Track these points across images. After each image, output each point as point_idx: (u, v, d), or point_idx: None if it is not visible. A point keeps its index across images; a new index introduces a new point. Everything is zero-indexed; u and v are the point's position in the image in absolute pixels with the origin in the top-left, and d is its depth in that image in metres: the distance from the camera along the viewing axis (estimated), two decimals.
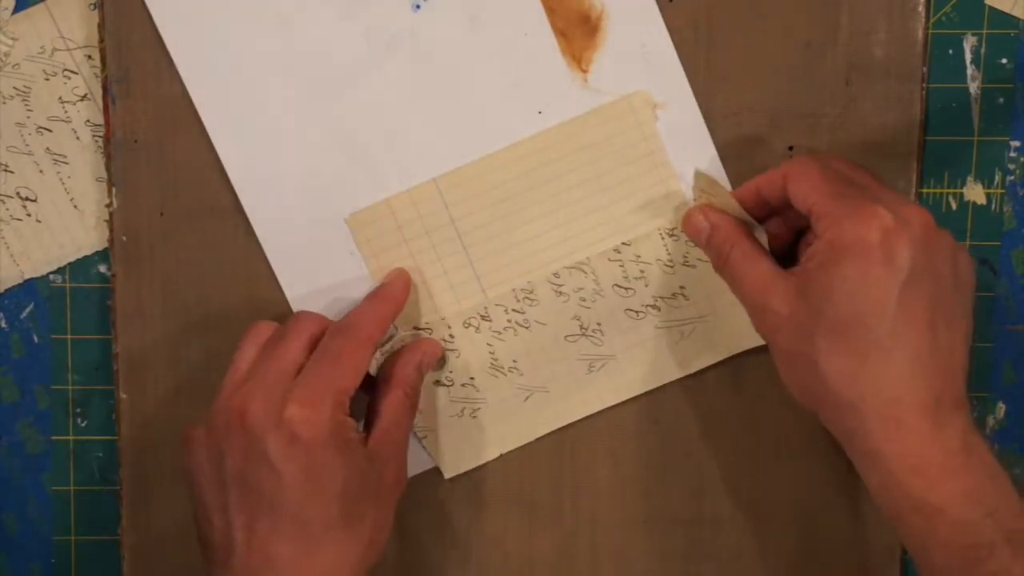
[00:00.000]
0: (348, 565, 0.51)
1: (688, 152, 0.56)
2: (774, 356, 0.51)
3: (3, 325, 0.59)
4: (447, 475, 0.58)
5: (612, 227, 0.56)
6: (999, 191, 0.58)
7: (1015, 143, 0.58)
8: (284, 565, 0.49)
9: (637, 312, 0.57)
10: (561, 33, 0.55)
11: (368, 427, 0.53)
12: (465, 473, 0.58)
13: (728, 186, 0.56)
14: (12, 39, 0.57)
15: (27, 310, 0.58)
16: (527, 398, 0.58)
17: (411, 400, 0.55)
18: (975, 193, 0.58)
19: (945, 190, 0.58)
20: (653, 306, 0.57)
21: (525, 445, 0.58)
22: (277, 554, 0.49)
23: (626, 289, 0.57)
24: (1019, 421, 0.59)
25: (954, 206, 0.58)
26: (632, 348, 0.57)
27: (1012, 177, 0.58)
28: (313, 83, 0.55)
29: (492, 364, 0.57)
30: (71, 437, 0.59)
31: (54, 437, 0.59)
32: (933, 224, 0.49)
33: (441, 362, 0.57)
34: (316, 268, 0.56)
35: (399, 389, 0.54)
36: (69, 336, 0.59)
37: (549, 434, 0.58)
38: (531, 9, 0.55)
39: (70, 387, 0.59)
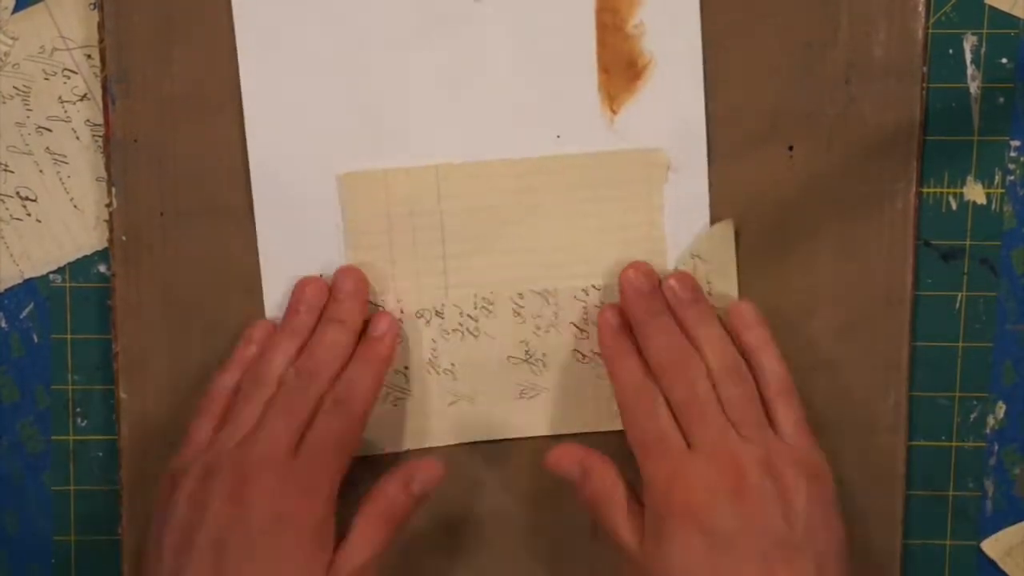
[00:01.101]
0: None
1: (683, 220, 0.56)
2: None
3: (3, 325, 0.59)
4: None
5: (589, 268, 0.56)
6: (999, 191, 0.58)
7: (1015, 143, 0.58)
8: None
9: (584, 356, 0.57)
10: (605, 69, 0.55)
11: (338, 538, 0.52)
12: (468, 472, 0.58)
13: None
14: (12, 39, 0.57)
15: (27, 310, 0.58)
16: (452, 403, 0.57)
17: (387, 529, 0.52)
18: (975, 193, 0.58)
19: (945, 190, 0.58)
20: (601, 355, 0.57)
21: (529, 440, 0.58)
22: None
23: (581, 331, 0.57)
24: (1019, 421, 0.59)
25: (954, 206, 0.58)
26: (567, 388, 0.57)
27: (1012, 177, 0.58)
28: (353, 39, 0.55)
29: (430, 360, 0.57)
30: (71, 437, 0.59)
31: (54, 437, 0.59)
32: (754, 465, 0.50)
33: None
34: (295, 221, 0.56)
35: (378, 517, 0.52)
36: (69, 336, 0.59)
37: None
38: (585, 36, 0.56)
39: (70, 387, 0.59)
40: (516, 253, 0.56)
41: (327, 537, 0.51)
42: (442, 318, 0.57)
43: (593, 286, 0.56)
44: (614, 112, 0.56)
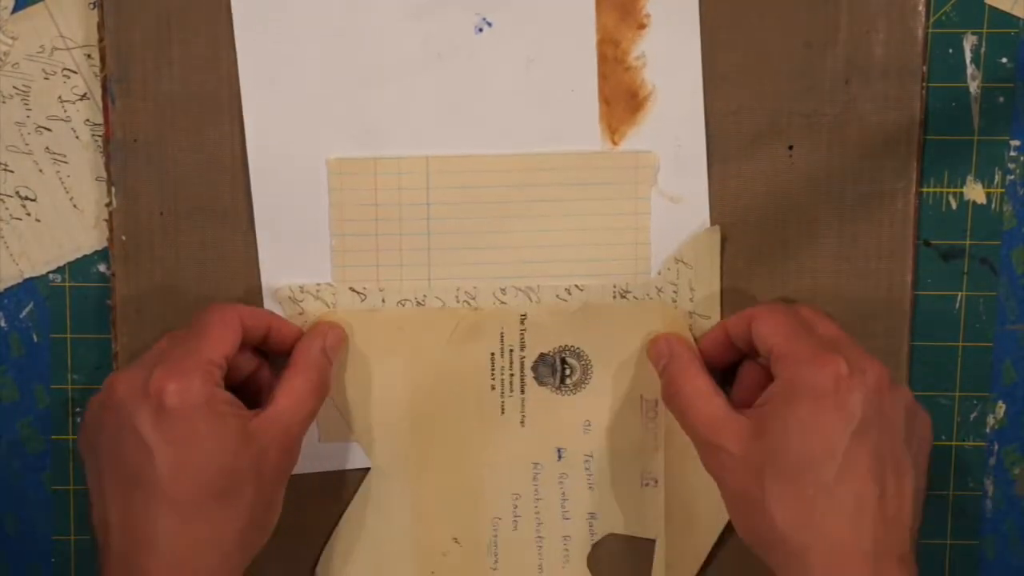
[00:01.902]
0: (225, 541, 0.49)
1: (682, 221, 0.56)
2: (724, 496, 0.51)
3: (3, 324, 0.59)
4: (321, 439, 0.57)
5: (573, 267, 0.56)
6: (999, 190, 0.58)
7: (1015, 142, 0.58)
8: (157, 541, 0.48)
9: None
10: (606, 100, 0.55)
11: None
12: None
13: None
14: (12, 38, 0.57)
15: (27, 309, 0.58)
16: None
17: (313, 385, 0.53)
18: (975, 192, 0.58)
19: (945, 189, 0.58)
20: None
21: None
22: (151, 531, 0.49)
23: None
24: (1019, 421, 0.59)
25: (954, 205, 0.58)
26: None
27: (1012, 176, 0.58)
28: (353, 62, 0.56)
29: None
30: (71, 437, 0.59)
31: (54, 437, 0.59)
32: (889, 379, 0.50)
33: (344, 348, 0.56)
34: (295, 221, 0.56)
35: (301, 375, 0.53)
36: (69, 335, 0.59)
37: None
38: (587, 69, 0.56)
39: (70, 387, 0.59)
40: (501, 249, 0.56)
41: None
42: (423, 308, 0.56)
43: (576, 286, 0.56)
44: (615, 144, 0.56)
